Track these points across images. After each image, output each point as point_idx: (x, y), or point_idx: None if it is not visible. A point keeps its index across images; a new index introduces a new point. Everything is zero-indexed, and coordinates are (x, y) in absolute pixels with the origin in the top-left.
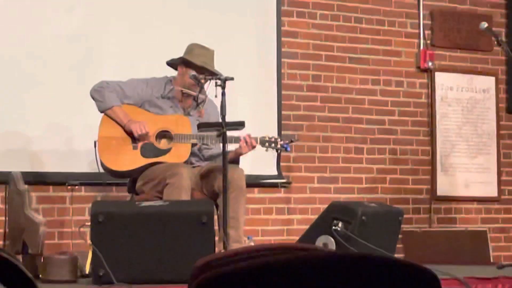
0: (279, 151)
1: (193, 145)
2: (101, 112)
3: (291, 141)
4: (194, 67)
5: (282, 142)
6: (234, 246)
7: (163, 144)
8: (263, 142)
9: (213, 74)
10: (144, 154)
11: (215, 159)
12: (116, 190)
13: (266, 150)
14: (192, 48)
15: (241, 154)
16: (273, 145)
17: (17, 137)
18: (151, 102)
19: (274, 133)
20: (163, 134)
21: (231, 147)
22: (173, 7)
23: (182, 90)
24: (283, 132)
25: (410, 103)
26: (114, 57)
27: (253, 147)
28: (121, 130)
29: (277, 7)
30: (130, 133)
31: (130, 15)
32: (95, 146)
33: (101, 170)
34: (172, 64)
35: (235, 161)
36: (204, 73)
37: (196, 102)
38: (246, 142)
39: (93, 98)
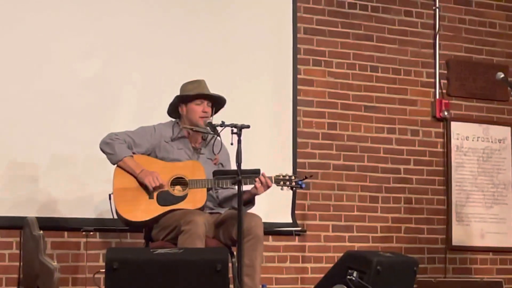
0: (294, 189)
1: (209, 189)
2: (113, 164)
3: (305, 178)
4: (191, 99)
5: (296, 179)
6: None
7: (178, 191)
8: (278, 180)
9: (216, 101)
10: (160, 202)
11: (231, 201)
12: (131, 237)
13: (282, 189)
14: (183, 86)
15: (256, 194)
16: (287, 183)
17: (32, 183)
18: (161, 147)
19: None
20: (178, 181)
21: (246, 187)
22: (188, 55)
23: (192, 129)
24: (298, 171)
25: (426, 152)
26: (129, 103)
27: (268, 187)
28: (135, 180)
29: (293, 55)
30: (143, 185)
31: (146, 64)
32: (110, 199)
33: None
34: (173, 111)
35: (251, 201)
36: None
37: (205, 140)
38: (261, 183)
39: (103, 151)
